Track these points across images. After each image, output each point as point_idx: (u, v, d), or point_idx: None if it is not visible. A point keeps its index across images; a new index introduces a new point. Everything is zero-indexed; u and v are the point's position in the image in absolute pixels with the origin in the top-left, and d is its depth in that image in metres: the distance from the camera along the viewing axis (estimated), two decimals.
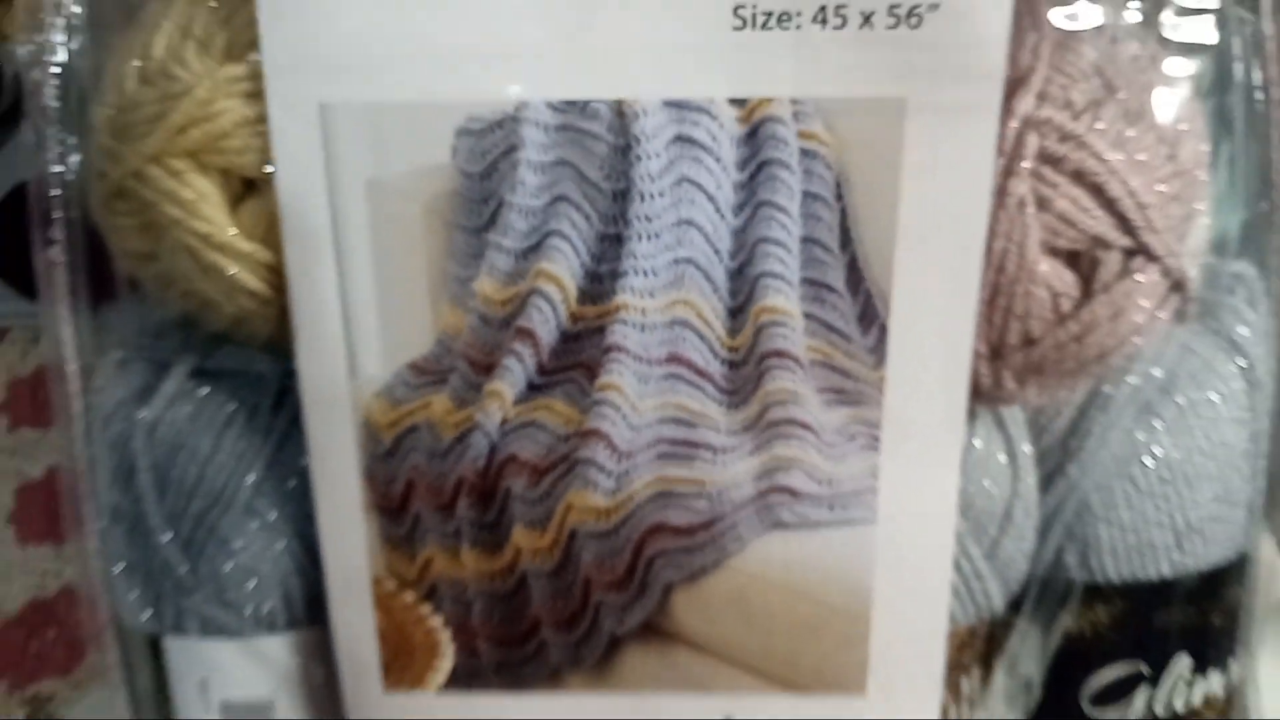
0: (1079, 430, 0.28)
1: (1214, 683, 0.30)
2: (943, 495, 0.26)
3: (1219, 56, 0.26)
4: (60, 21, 0.27)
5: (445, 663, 0.28)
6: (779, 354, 0.25)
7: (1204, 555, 0.29)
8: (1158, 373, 0.28)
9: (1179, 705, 0.30)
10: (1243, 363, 0.29)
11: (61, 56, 0.27)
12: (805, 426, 0.25)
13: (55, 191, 0.28)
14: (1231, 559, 0.30)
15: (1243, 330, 0.29)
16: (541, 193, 0.24)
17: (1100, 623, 0.30)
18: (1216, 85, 0.26)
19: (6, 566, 0.48)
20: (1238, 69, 0.26)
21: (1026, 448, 0.28)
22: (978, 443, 0.27)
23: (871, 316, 0.25)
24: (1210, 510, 0.29)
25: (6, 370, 0.58)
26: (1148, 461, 0.28)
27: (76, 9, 0.26)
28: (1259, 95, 0.27)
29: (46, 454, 0.53)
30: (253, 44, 0.24)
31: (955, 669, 0.28)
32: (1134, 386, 0.28)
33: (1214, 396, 0.28)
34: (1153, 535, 0.28)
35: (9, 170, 0.66)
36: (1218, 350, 0.29)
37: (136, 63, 0.25)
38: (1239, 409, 0.29)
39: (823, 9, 0.22)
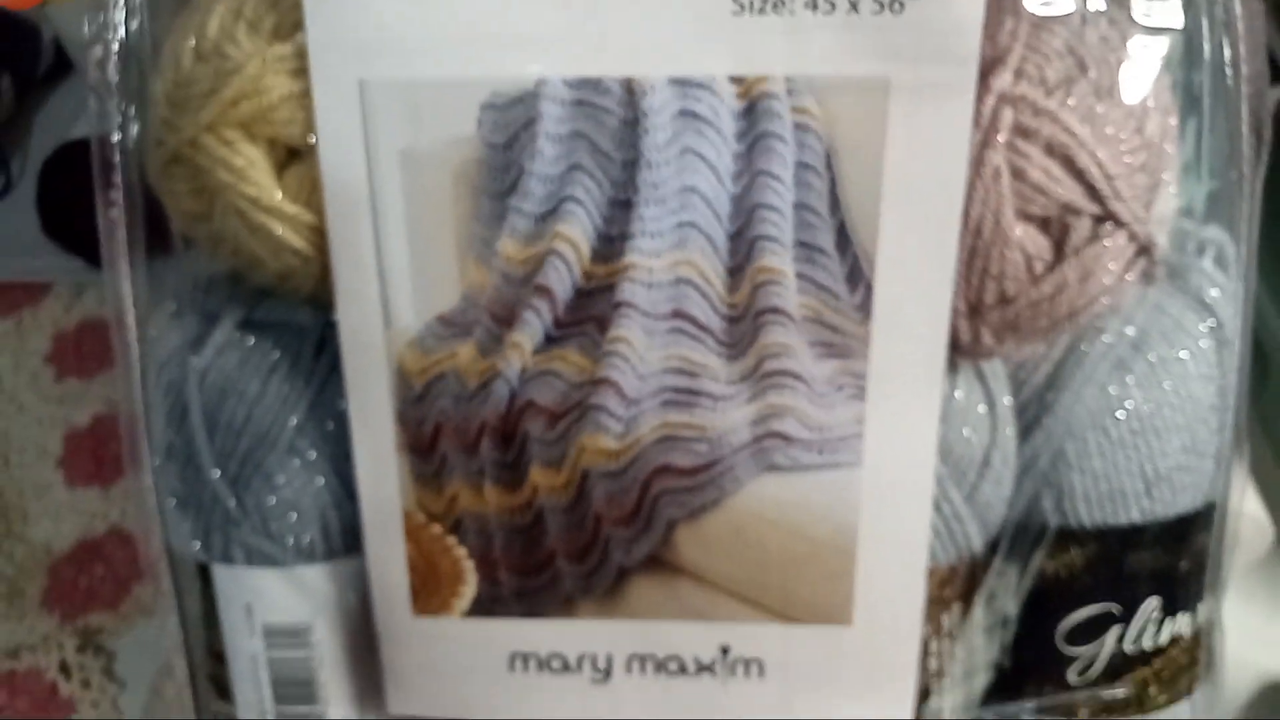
0: (1055, 384, 0.29)
1: (1181, 624, 0.32)
2: (923, 441, 0.27)
3: (1188, 35, 0.28)
4: (121, 1, 0.29)
5: (469, 589, 0.30)
6: (774, 310, 0.26)
7: (1172, 503, 0.30)
8: (1130, 331, 0.29)
9: (1147, 644, 0.32)
10: (1212, 323, 0.30)
11: (121, 34, 0.29)
12: (797, 377, 0.27)
13: (116, 157, 0.29)
14: (1199, 507, 0.31)
15: (1213, 292, 0.30)
16: (558, 162, 0.26)
17: (1074, 565, 0.31)
18: (1185, 62, 0.28)
19: (57, 508, 0.51)
20: (1206, 47, 0.28)
21: (1006, 399, 0.29)
22: (959, 394, 0.29)
23: (858, 276, 0.26)
24: (1178, 460, 0.30)
25: (52, 324, 0.61)
26: (1119, 414, 0.29)
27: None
28: (1227, 72, 0.28)
29: (92, 403, 0.56)
30: (298, 25, 0.26)
31: (937, 604, 0.30)
32: (1108, 344, 0.29)
33: (1183, 354, 0.30)
34: (1124, 483, 0.30)
35: (53, 131, 0.69)
36: (1188, 310, 0.30)
37: (192, 41, 0.27)
38: (1207, 366, 0.30)
39: None
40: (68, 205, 0.63)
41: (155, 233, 0.30)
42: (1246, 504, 0.43)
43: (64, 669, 0.45)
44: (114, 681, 0.45)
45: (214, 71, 0.26)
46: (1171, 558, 0.31)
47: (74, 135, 0.63)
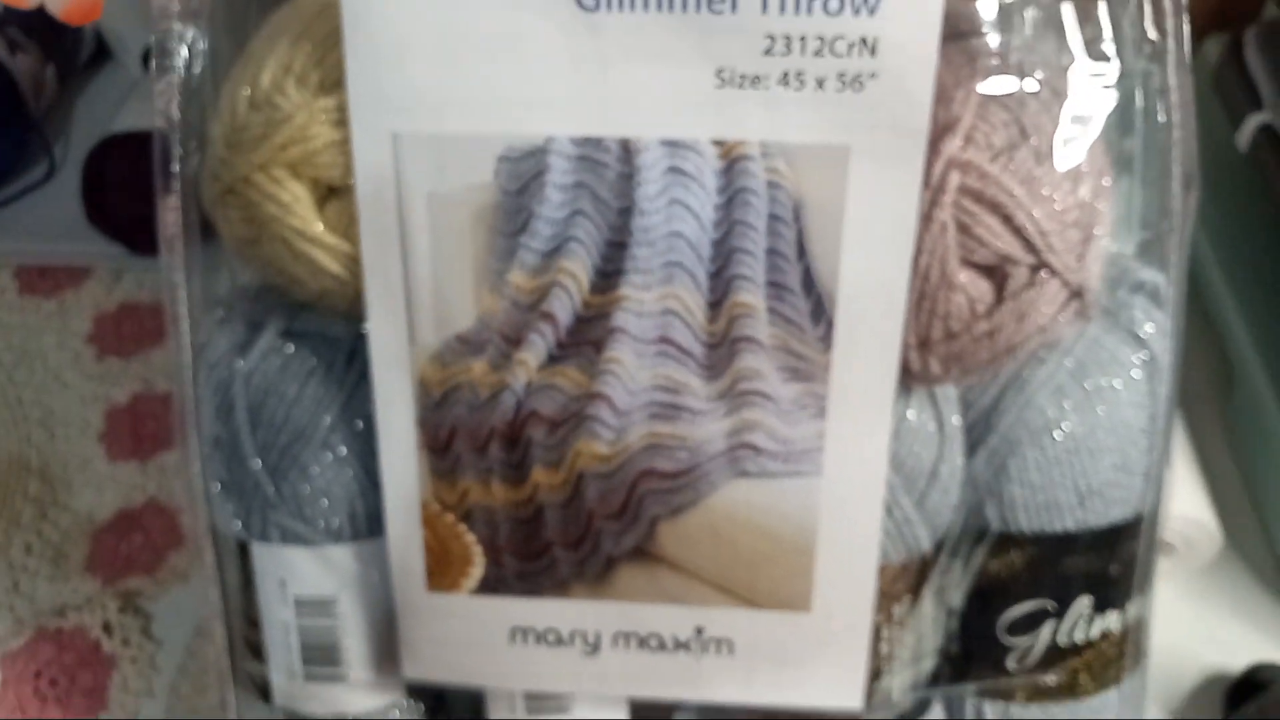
0: (1000, 406, 0.32)
1: (1111, 621, 0.35)
2: (876, 455, 0.30)
3: (1124, 103, 0.31)
4: (185, 49, 0.32)
5: (477, 571, 0.32)
6: (747, 339, 0.29)
7: (1104, 514, 0.33)
8: (1069, 361, 0.32)
9: (1079, 637, 0.34)
10: (1145, 355, 0.33)
11: (183, 76, 0.31)
12: (766, 397, 0.29)
13: (176, 186, 0.32)
14: (1129, 518, 0.34)
15: (1147, 327, 0.33)
16: (563, 207, 0.29)
17: (1014, 565, 0.34)
18: (1121, 127, 0.31)
19: (99, 480, 0.53)
20: (1140, 115, 0.31)
21: (955, 419, 0.32)
22: (912, 414, 0.31)
23: (821, 312, 0.29)
24: (1110, 477, 0.33)
25: (93, 305, 0.63)
26: (1057, 435, 0.32)
27: (200, 42, 0.31)
28: (1161, 136, 0.32)
29: (131, 381, 0.58)
30: (339, 82, 0.28)
31: (888, 596, 0.33)
32: (1048, 372, 0.32)
33: (1117, 383, 0.33)
34: (1059, 495, 0.33)
35: (94, 118, 0.71)
36: (1123, 344, 0.33)
37: (247, 91, 0.29)
38: (1139, 394, 0.33)
39: (785, 74, 0.27)
40: (110, 195, 0.65)
41: (207, 235, 0.33)
42: (1198, 511, 0.47)
43: (106, 628, 0.48)
44: (151, 640, 0.48)
45: (266, 119, 0.29)
46: (1102, 562, 0.34)
47: (115, 126, 0.65)
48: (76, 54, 0.75)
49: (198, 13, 0.32)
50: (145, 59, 0.71)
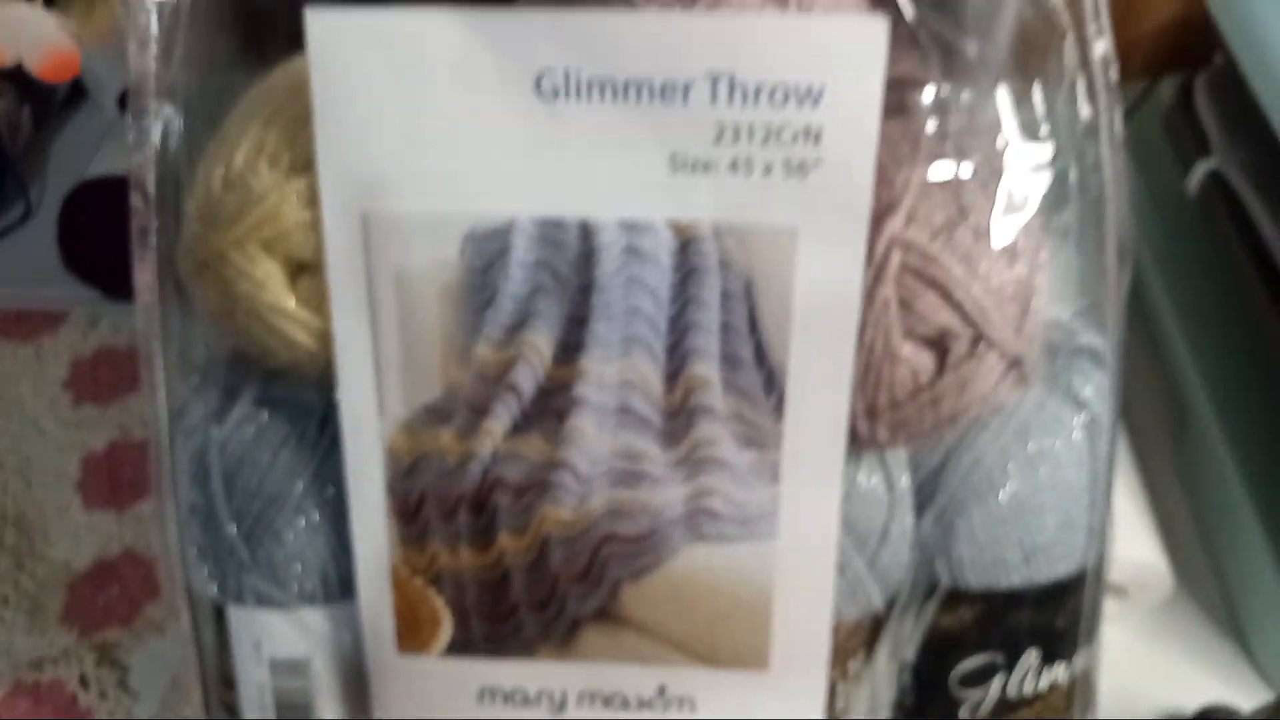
0: (947, 468, 0.34)
1: (1058, 673, 0.36)
2: (828, 519, 0.31)
3: (1061, 180, 0.32)
4: (159, 127, 0.33)
5: (445, 633, 0.32)
6: (703, 409, 0.30)
7: (1049, 570, 0.34)
8: (1013, 425, 0.33)
9: (1028, 690, 0.35)
10: (1085, 418, 0.34)
11: (160, 150, 0.33)
12: (722, 464, 0.31)
13: (152, 257, 0.33)
14: (1073, 573, 0.35)
15: (1087, 390, 0.34)
16: (526, 284, 0.30)
17: (964, 620, 0.35)
18: (1058, 202, 0.33)
19: (75, 529, 0.53)
20: (1075, 191, 0.33)
21: (904, 481, 0.34)
22: (862, 477, 0.33)
23: (773, 383, 0.30)
24: (1053, 535, 0.34)
25: (70, 351, 0.63)
26: (1001, 495, 0.33)
27: (176, 120, 0.32)
28: (1096, 209, 0.33)
29: (107, 429, 0.58)
30: (310, 163, 0.29)
31: (843, 652, 0.34)
32: (993, 435, 0.33)
33: (1059, 445, 0.34)
34: (1005, 553, 0.34)
35: (70, 159, 0.71)
36: (1064, 407, 0.34)
37: (221, 170, 0.30)
38: (1081, 455, 0.34)
39: (735, 161, 0.28)
40: (86, 240, 0.66)
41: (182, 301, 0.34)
42: (1149, 555, 0.48)
43: (83, 681, 0.48)
44: (128, 693, 0.47)
45: (239, 199, 0.30)
46: (1049, 617, 0.35)
47: (91, 170, 0.66)
48: (53, 95, 0.75)
49: (174, 91, 0.33)
50: (122, 101, 0.72)
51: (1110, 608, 0.39)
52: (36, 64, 0.46)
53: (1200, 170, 0.53)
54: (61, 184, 0.65)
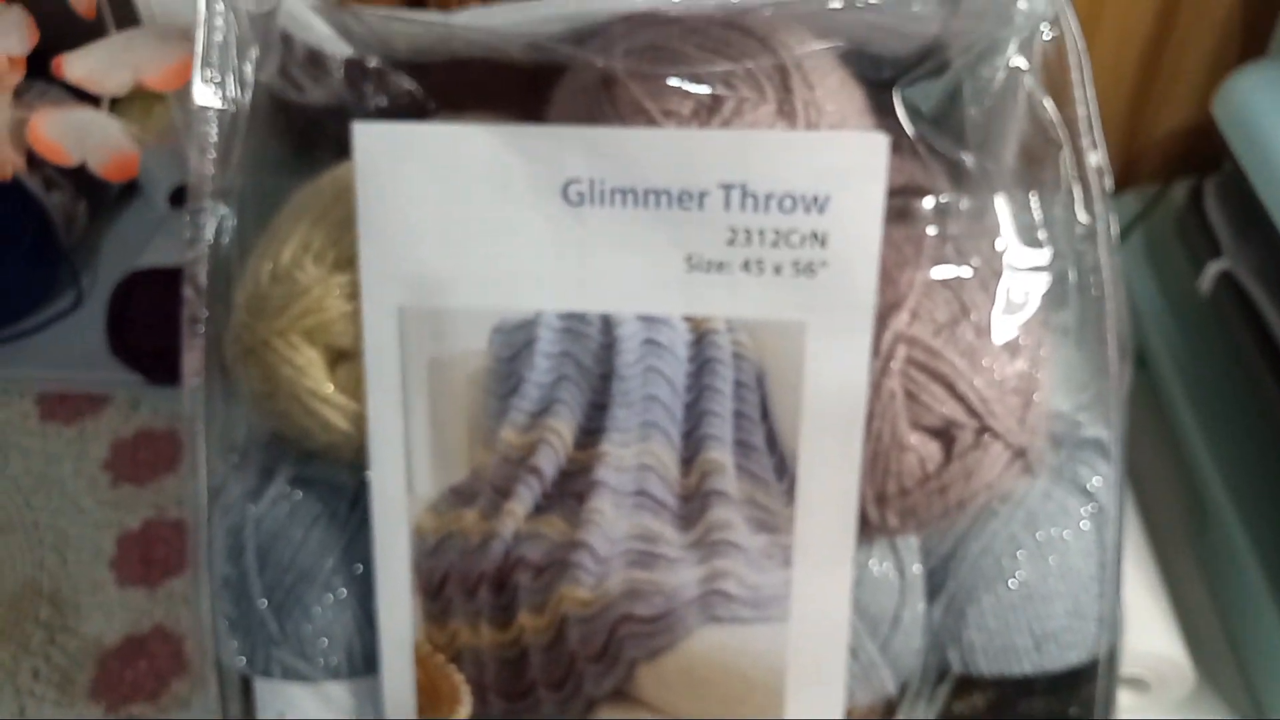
0: (957, 555, 0.34)
1: None
2: (840, 602, 0.32)
3: (1059, 279, 0.34)
4: (214, 225, 0.35)
5: (465, 710, 0.33)
6: (717, 493, 0.31)
7: (1060, 658, 0.35)
8: (1021, 514, 0.34)
9: None
10: (1093, 507, 0.35)
11: (213, 246, 0.35)
12: (736, 546, 0.32)
13: (201, 344, 0.35)
14: (1085, 662, 0.35)
15: (1094, 481, 0.35)
16: (550, 373, 0.31)
17: (977, 706, 0.35)
18: (1059, 300, 0.34)
19: (109, 605, 0.54)
20: (1074, 291, 0.34)
21: (916, 567, 0.34)
22: (874, 563, 0.34)
23: (784, 469, 0.31)
24: (1063, 623, 0.35)
25: (111, 432, 0.65)
26: (1011, 583, 0.34)
27: (230, 219, 0.35)
28: (1095, 308, 0.35)
29: (143, 508, 0.59)
30: (352, 260, 0.31)
31: None
32: (1002, 523, 0.34)
33: (1067, 534, 0.35)
34: (1015, 640, 0.34)
35: (122, 250, 0.74)
36: (1071, 497, 0.35)
37: (269, 265, 0.33)
38: (1088, 544, 0.35)
39: (747, 261, 0.30)
40: (133, 328, 0.68)
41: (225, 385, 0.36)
42: (1170, 648, 0.48)
43: None
44: None
45: (285, 292, 0.32)
46: (1061, 704, 0.36)
47: (141, 261, 0.69)
48: (108, 190, 0.79)
49: (228, 192, 0.35)
50: (173, 197, 0.76)
51: (1131, 701, 0.39)
52: (100, 165, 0.49)
53: (1212, 271, 0.55)
54: (112, 273, 0.68)
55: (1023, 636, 0.35)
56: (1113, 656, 0.37)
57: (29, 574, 0.57)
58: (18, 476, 0.63)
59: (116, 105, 0.60)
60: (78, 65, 0.44)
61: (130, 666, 0.53)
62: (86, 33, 0.48)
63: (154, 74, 0.45)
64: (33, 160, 0.50)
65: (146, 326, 0.68)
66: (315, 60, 0.35)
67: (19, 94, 0.62)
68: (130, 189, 0.80)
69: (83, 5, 0.48)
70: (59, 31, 0.49)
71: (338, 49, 0.35)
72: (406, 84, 0.34)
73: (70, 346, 0.69)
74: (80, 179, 0.74)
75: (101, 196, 0.78)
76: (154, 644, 0.54)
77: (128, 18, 0.56)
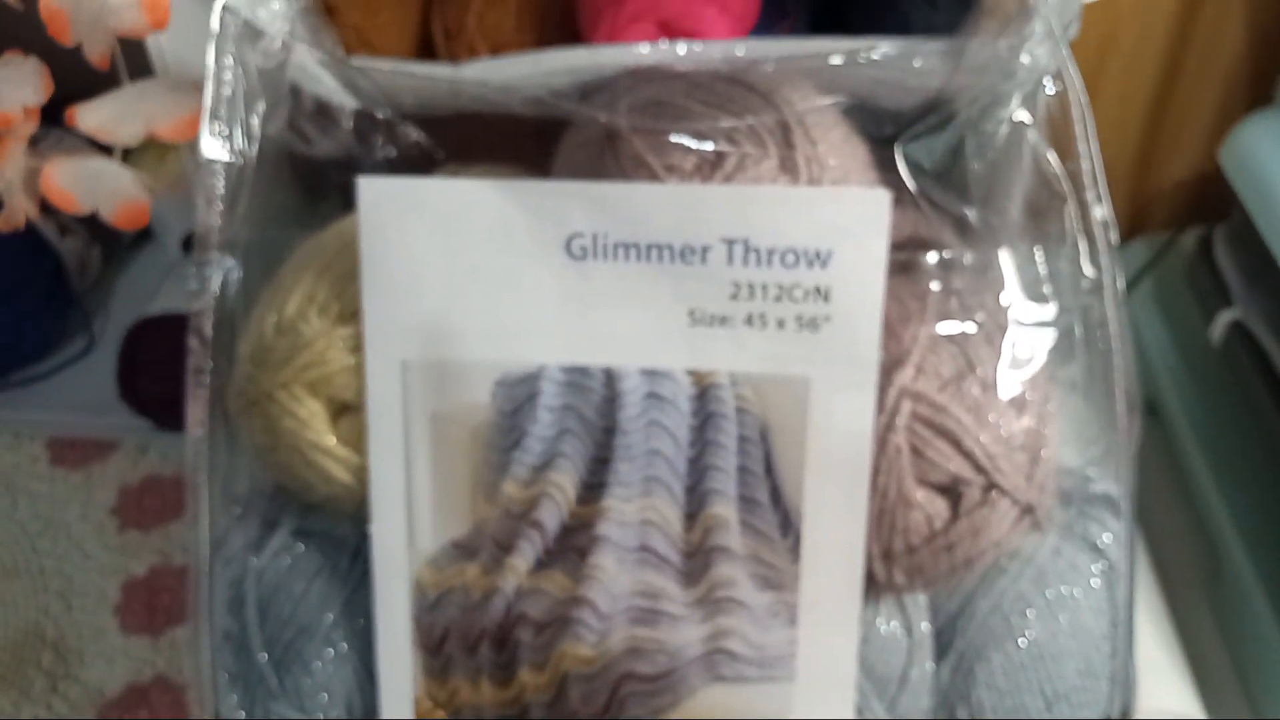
0: (966, 612, 0.34)
1: None
2: (846, 660, 0.32)
3: (1065, 334, 0.34)
4: (219, 276, 0.36)
5: None
6: (721, 549, 0.31)
7: (1071, 717, 0.34)
8: (1030, 571, 0.34)
9: None
10: (1103, 565, 0.35)
11: (218, 297, 0.35)
12: (741, 604, 0.31)
13: (205, 395, 0.35)
14: None
15: (1105, 537, 0.35)
16: (553, 426, 0.31)
17: None
18: (1065, 355, 0.34)
19: (111, 652, 0.54)
20: (1081, 346, 0.34)
21: (924, 625, 0.34)
22: (881, 621, 0.33)
23: (789, 525, 0.31)
24: (1075, 682, 0.34)
25: (118, 478, 0.66)
26: (1021, 642, 0.34)
27: (235, 271, 0.35)
28: (1103, 362, 0.34)
29: (149, 554, 0.59)
30: (355, 314, 0.32)
31: None
32: (1011, 580, 0.34)
33: (1077, 592, 0.34)
34: (1026, 700, 0.34)
35: (135, 296, 0.75)
36: (1081, 553, 0.35)
37: (274, 318, 0.33)
38: (1099, 601, 0.34)
39: (750, 316, 0.30)
40: (143, 374, 0.69)
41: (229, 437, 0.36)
42: (1185, 705, 0.47)
43: None
44: None
45: (289, 344, 0.32)
46: None
47: (152, 308, 0.69)
48: (121, 236, 0.79)
49: (234, 244, 0.35)
50: (185, 243, 0.76)
51: None
52: (111, 214, 0.49)
53: (1223, 320, 0.55)
54: (125, 319, 0.68)
55: (1033, 696, 0.34)
56: (1126, 716, 0.36)
57: (33, 619, 0.57)
58: (25, 521, 0.63)
59: (131, 153, 0.61)
60: (91, 116, 0.45)
61: (130, 716, 0.53)
62: (101, 83, 0.49)
63: (166, 125, 0.46)
64: (46, 207, 0.50)
65: (156, 373, 0.68)
66: (324, 112, 0.35)
67: (34, 141, 0.63)
68: (144, 235, 0.81)
69: (97, 56, 0.48)
70: (74, 81, 0.50)
71: (346, 101, 0.35)
72: (414, 135, 0.34)
73: (81, 391, 0.70)
74: (94, 225, 0.75)
75: (115, 243, 0.78)
76: (155, 694, 0.54)
77: (142, 69, 0.57)
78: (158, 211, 0.80)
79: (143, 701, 0.53)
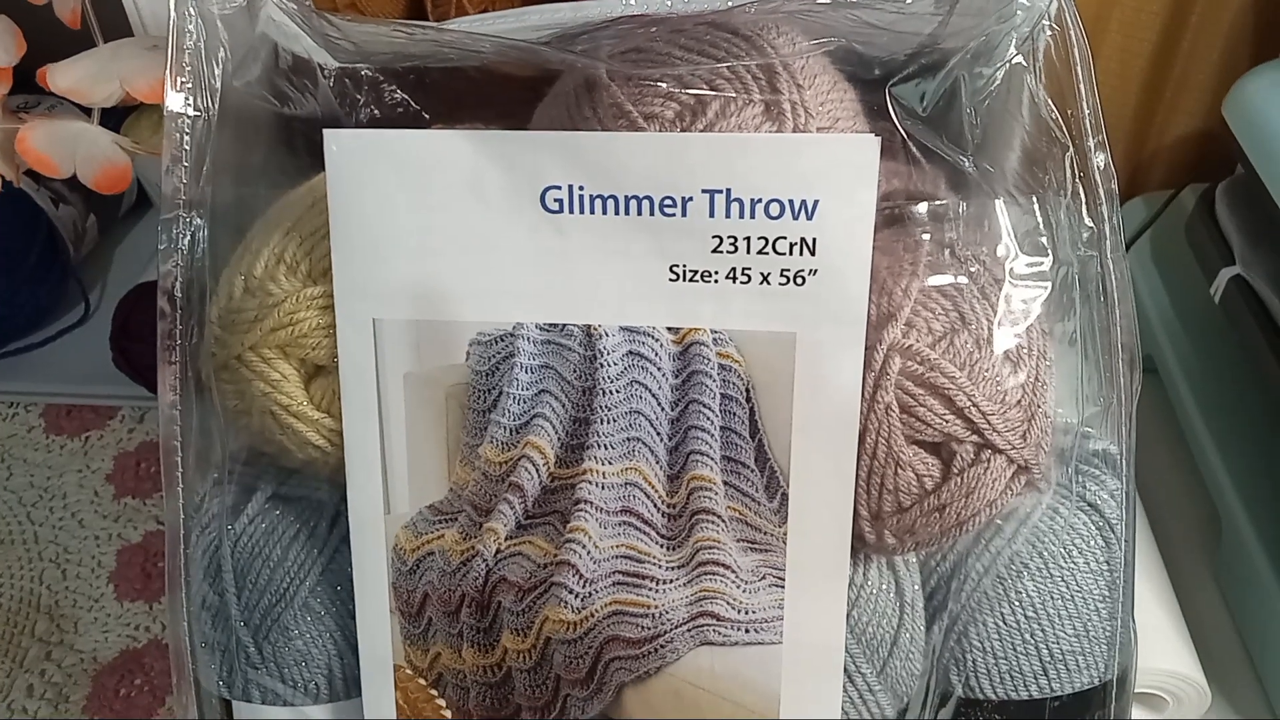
0: (959, 574, 0.33)
1: None
2: (834, 623, 0.31)
3: (1064, 288, 0.33)
4: (187, 236, 0.35)
5: None
6: (706, 511, 0.30)
7: (1068, 681, 0.34)
8: (1026, 531, 0.33)
9: None
10: (1101, 524, 0.34)
11: (186, 258, 0.34)
12: (726, 567, 0.31)
13: (177, 358, 0.34)
14: (1094, 684, 0.34)
15: (1104, 497, 0.34)
16: (531, 387, 0.30)
17: None
18: (1063, 310, 0.33)
19: (106, 619, 0.54)
20: (1079, 299, 0.33)
21: (915, 588, 0.33)
22: (871, 583, 0.32)
23: (775, 487, 0.30)
24: (1071, 645, 0.33)
25: (115, 446, 0.65)
26: (1016, 604, 0.33)
27: (203, 230, 0.34)
28: (1103, 317, 0.33)
29: (145, 521, 0.59)
30: (326, 272, 0.31)
31: None
32: (1006, 540, 0.33)
33: (1075, 552, 0.34)
34: (1021, 663, 0.33)
35: (131, 264, 0.74)
36: (1079, 513, 0.34)
37: (242, 278, 0.32)
38: (1097, 562, 0.34)
39: (733, 270, 0.29)
40: (137, 340, 0.68)
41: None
42: (1186, 666, 0.46)
43: None
44: None
45: (258, 304, 0.32)
46: None
47: (147, 275, 0.69)
48: (118, 205, 0.78)
49: (201, 203, 0.34)
50: None
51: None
52: (91, 177, 0.48)
53: (1224, 276, 0.53)
54: (122, 287, 0.68)
55: (1029, 659, 0.34)
56: (1125, 680, 0.35)
57: (27, 588, 0.57)
58: (20, 489, 0.63)
59: (126, 119, 0.60)
60: (63, 76, 0.44)
61: (125, 683, 0.53)
62: (74, 43, 0.48)
63: (141, 85, 0.45)
64: (37, 175, 0.49)
65: (149, 339, 0.67)
66: (302, 69, 0.34)
67: (22, 107, 0.62)
68: (142, 202, 0.80)
69: (67, 14, 0.47)
70: (47, 42, 0.49)
71: (325, 60, 0.34)
72: (399, 95, 0.33)
73: (78, 360, 0.69)
74: (89, 193, 0.74)
75: (112, 211, 0.78)
76: (150, 658, 0.54)
77: (121, 29, 0.56)
78: (154, 179, 0.79)
79: (138, 667, 0.53)
